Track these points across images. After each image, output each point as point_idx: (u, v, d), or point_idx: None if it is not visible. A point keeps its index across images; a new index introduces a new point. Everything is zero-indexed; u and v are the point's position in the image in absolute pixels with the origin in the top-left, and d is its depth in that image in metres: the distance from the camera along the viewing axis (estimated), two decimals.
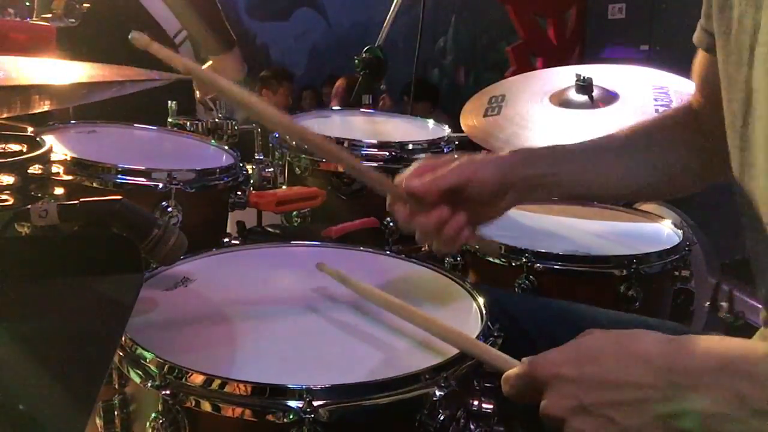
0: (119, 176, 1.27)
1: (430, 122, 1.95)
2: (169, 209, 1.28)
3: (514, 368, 0.79)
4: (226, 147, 1.62)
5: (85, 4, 1.70)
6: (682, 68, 1.78)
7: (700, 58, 1.05)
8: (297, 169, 1.66)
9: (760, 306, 0.95)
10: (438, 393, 0.81)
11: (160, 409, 0.79)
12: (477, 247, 1.37)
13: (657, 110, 1.65)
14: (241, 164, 1.52)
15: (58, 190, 1.04)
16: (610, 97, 1.75)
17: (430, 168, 1.04)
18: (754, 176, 0.85)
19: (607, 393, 0.69)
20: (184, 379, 0.80)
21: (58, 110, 1.79)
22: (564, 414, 0.71)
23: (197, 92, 2.54)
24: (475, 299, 1.05)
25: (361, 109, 2.13)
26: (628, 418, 0.67)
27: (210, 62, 2.60)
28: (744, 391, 0.63)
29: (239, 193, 1.45)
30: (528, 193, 1.09)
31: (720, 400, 0.64)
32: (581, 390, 0.70)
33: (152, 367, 0.82)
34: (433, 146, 1.68)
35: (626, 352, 0.70)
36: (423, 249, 1.60)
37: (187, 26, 2.45)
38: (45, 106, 0.91)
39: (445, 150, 1.71)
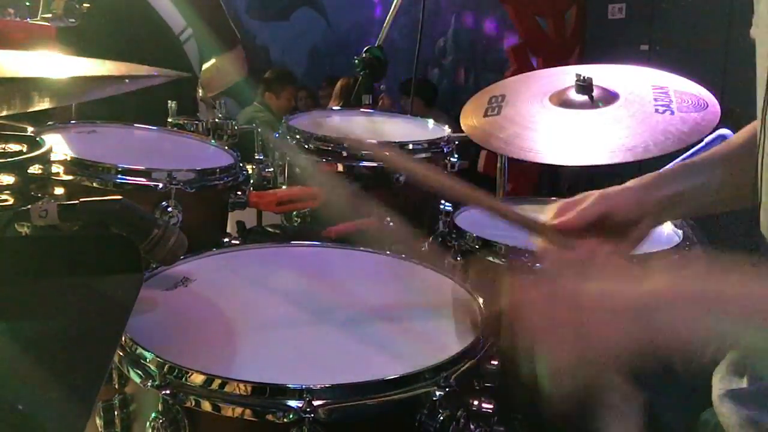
0: (119, 176, 1.27)
1: (430, 122, 1.95)
2: (169, 209, 1.28)
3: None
4: (226, 147, 1.62)
5: (85, 4, 1.70)
6: (682, 68, 1.78)
7: None
8: (297, 169, 1.66)
9: None
10: (438, 393, 0.81)
11: (160, 409, 0.79)
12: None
13: (657, 110, 1.64)
14: (241, 164, 1.52)
15: (58, 190, 1.04)
16: (610, 97, 1.75)
17: (571, 206, 1.10)
18: None
19: (577, 334, 0.73)
20: (184, 379, 0.80)
21: (59, 110, 1.79)
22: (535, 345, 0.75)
23: (200, 91, 2.55)
24: (475, 299, 1.05)
25: (361, 109, 2.13)
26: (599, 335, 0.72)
27: (213, 60, 2.61)
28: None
29: (239, 193, 1.45)
30: (664, 214, 1.15)
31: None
32: (552, 327, 0.75)
33: (152, 367, 0.82)
34: (433, 146, 1.68)
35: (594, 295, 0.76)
36: (422, 249, 1.60)
37: (191, 24, 2.46)
38: (44, 104, 0.91)
39: (444, 150, 1.70)
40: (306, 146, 1.61)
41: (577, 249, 1.04)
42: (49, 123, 1.52)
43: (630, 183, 1.13)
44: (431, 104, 5.24)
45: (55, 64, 0.92)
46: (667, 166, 1.20)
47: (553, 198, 1.73)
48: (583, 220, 1.07)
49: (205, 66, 2.60)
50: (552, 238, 1.08)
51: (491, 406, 0.87)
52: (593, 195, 1.11)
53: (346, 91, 4.74)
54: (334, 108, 2.32)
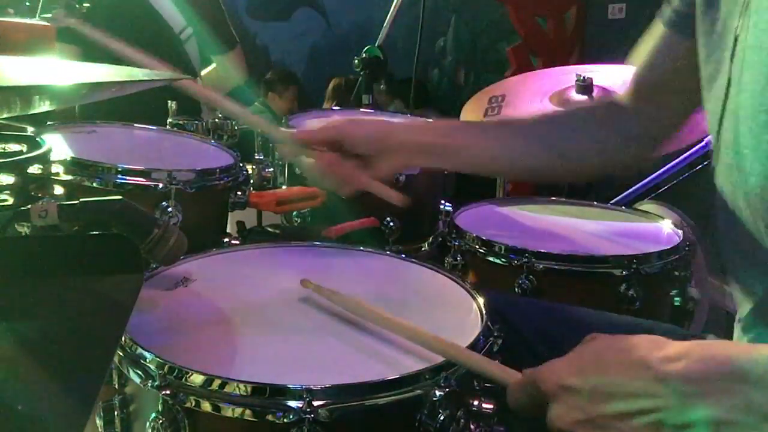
0: (119, 176, 1.27)
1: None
2: (169, 209, 1.28)
3: (516, 380, 0.78)
4: (226, 147, 1.62)
5: (85, 4, 1.70)
6: None
7: (658, 33, 1.09)
8: (297, 169, 1.66)
9: None
10: (438, 393, 0.80)
11: (160, 409, 0.79)
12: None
13: None
14: (241, 164, 1.52)
15: (58, 190, 1.04)
16: (610, 97, 1.75)
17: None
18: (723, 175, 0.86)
19: (614, 404, 0.67)
20: (184, 379, 0.80)
21: (61, 110, 1.79)
22: (571, 426, 0.70)
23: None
24: (475, 299, 1.05)
25: (361, 109, 2.13)
26: (636, 429, 0.66)
27: (214, 65, 2.62)
28: (753, 396, 0.61)
29: (239, 193, 1.45)
30: (415, 158, 1.18)
31: (729, 407, 0.62)
32: (588, 401, 0.69)
33: (152, 367, 0.82)
34: None
35: (631, 360, 0.68)
36: (422, 249, 1.61)
37: (191, 24, 2.46)
38: (45, 107, 0.91)
39: None
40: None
41: (317, 157, 1.11)
42: (49, 123, 1.52)
43: (392, 120, 1.21)
44: (419, 106, 5.11)
45: (56, 70, 0.92)
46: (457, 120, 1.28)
47: (552, 198, 1.74)
48: (320, 135, 1.13)
49: (206, 71, 2.60)
50: (292, 147, 1.16)
51: (491, 406, 0.87)
52: (344, 120, 1.18)
53: (339, 91, 4.74)
54: (334, 108, 2.32)
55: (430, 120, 1.19)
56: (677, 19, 1.03)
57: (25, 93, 0.64)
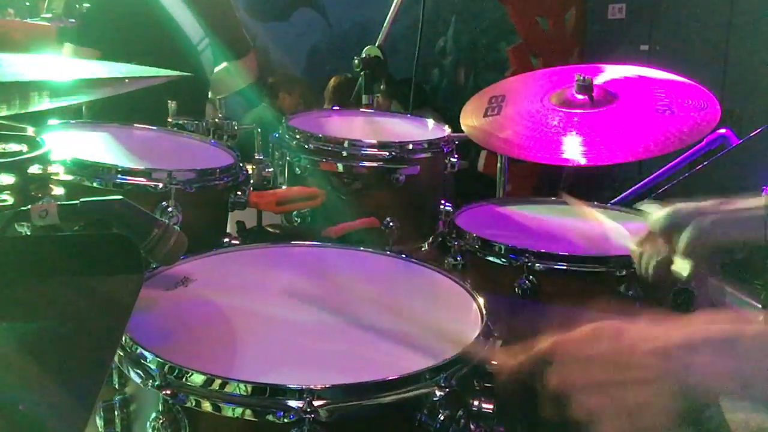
0: (119, 176, 1.27)
1: (430, 122, 1.95)
2: (169, 209, 1.28)
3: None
4: (226, 147, 1.62)
5: (85, 4, 1.70)
6: (682, 68, 1.78)
7: None
8: (297, 169, 1.66)
9: (759, 306, 0.96)
10: (438, 393, 0.81)
11: (160, 409, 0.79)
12: None
13: (657, 110, 1.65)
14: (241, 164, 1.52)
15: (58, 190, 1.04)
16: (610, 97, 1.75)
17: None
18: None
19: (616, 372, 0.72)
20: (184, 379, 0.80)
21: (66, 110, 1.80)
22: (571, 389, 0.74)
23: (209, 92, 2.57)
24: (475, 299, 1.05)
25: (361, 109, 2.13)
26: (634, 397, 0.71)
27: (224, 64, 2.62)
28: (738, 365, 0.67)
29: (239, 193, 1.45)
30: None
31: (715, 374, 0.68)
32: (591, 368, 0.74)
33: (152, 367, 0.82)
34: (433, 146, 1.68)
35: (634, 336, 0.74)
36: (422, 249, 1.61)
37: (208, 34, 2.47)
38: (44, 104, 0.91)
39: (444, 150, 1.70)
40: (306, 146, 1.61)
41: None
42: (50, 123, 1.52)
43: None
44: (418, 106, 5.08)
45: (55, 67, 0.92)
46: None
47: (552, 198, 1.73)
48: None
49: (216, 69, 2.61)
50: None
51: (491, 406, 0.87)
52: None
53: (339, 90, 4.73)
54: (334, 108, 2.32)
55: None
56: None
57: (23, 89, 0.64)
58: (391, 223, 1.58)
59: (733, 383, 0.68)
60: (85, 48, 2.26)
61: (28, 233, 0.96)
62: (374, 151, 1.60)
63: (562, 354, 0.77)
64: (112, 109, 1.86)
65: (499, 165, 2.12)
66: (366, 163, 1.58)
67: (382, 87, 4.85)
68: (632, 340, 0.74)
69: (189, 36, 2.42)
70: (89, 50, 2.25)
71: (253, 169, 1.68)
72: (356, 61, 2.25)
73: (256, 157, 1.76)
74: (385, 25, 2.32)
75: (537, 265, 1.32)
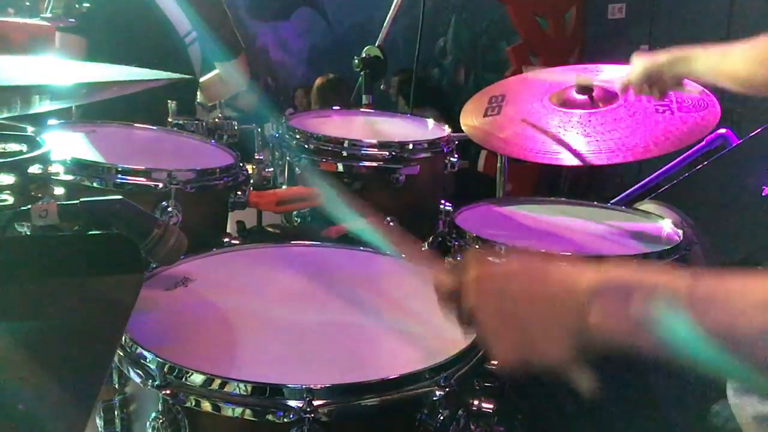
0: (119, 176, 1.27)
1: (430, 122, 1.95)
2: (169, 209, 1.28)
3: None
4: (226, 147, 1.62)
5: (85, 4, 1.70)
6: None
7: None
8: (297, 169, 1.66)
9: None
10: (438, 393, 0.81)
11: (160, 408, 0.79)
12: None
13: (657, 110, 1.65)
14: (241, 164, 1.52)
15: (58, 190, 1.04)
16: (610, 97, 1.75)
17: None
18: None
19: (525, 303, 0.76)
20: (184, 379, 0.80)
21: (59, 110, 1.79)
22: (480, 311, 0.77)
23: (199, 95, 2.56)
24: None
25: (361, 109, 2.13)
26: (535, 327, 0.74)
27: (215, 71, 2.61)
28: (625, 306, 0.69)
29: (239, 193, 1.45)
30: None
31: (610, 318, 0.70)
32: (504, 296, 0.77)
33: (152, 367, 0.82)
34: (433, 146, 1.68)
35: (554, 277, 0.77)
36: (422, 249, 1.60)
37: (196, 28, 2.46)
38: (45, 106, 0.91)
39: (444, 150, 1.70)
40: (306, 146, 1.61)
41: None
42: (49, 123, 1.52)
43: None
44: (419, 105, 5.08)
45: (56, 70, 0.92)
46: None
47: (552, 198, 1.74)
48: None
49: (205, 78, 2.60)
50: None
51: (491, 406, 0.87)
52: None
53: (322, 91, 4.72)
54: (335, 108, 2.32)
55: None
56: None
57: (25, 92, 0.64)
58: (391, 224, 1.57)
59: (627, 328, 0.70)
60: (72, 35, 2.23)
61: (28, 233, 0.96)
62: (374, 151, 1.60)
63: (485, 280, 0.80)
64: (109, 109, 1.86)
65: (499, 165, 2.12)
66: (366, 163, 1.58)
67: (382, 87, 4.84)
68: (550, 278, 0.77)
69: (176, 28, 2.41)
70: (75, 38, 2.23)
71: (253, 169, 1.68)
72: (356, 61, 2.25)
73: (256, 157, 1.76)
74: (385, 25, 2.32)
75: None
